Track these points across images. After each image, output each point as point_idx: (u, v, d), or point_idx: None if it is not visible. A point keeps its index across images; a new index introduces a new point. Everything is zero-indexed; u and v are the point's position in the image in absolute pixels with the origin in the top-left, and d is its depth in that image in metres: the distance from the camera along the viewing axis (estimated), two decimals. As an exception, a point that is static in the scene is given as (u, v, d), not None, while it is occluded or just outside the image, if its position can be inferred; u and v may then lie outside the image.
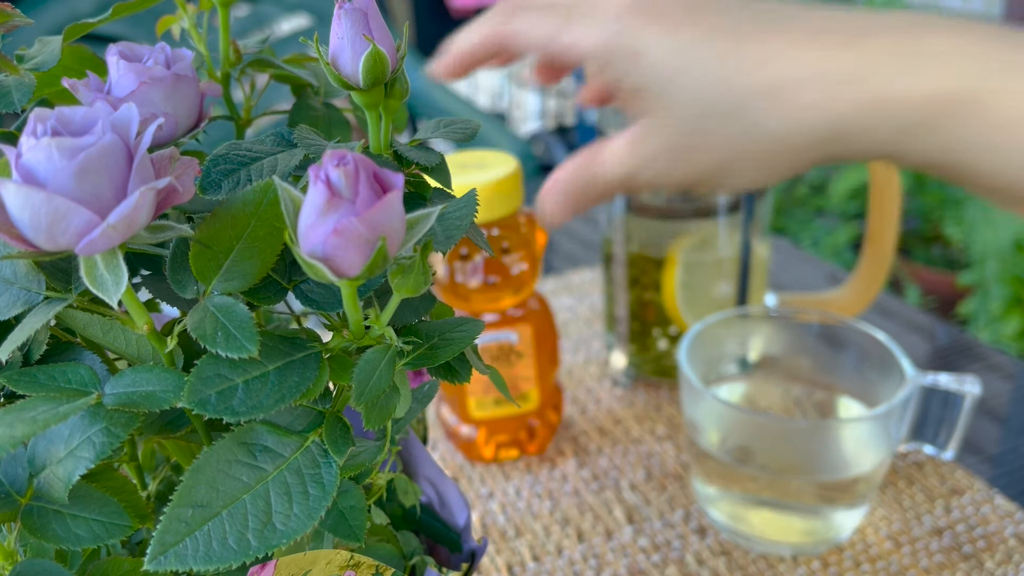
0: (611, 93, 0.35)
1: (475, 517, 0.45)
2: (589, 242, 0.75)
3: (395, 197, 0.17)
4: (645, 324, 0.53)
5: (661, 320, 0.52)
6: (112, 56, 0.21)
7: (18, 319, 0.19)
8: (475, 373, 0.22)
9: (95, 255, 0.17)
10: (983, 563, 0.40)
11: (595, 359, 0.58)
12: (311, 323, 0.26)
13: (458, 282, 0.43)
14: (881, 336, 0.41)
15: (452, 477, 0.44)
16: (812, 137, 0.28)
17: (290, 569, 0.20)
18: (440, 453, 0.50)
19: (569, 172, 0.33)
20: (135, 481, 0.22)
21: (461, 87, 2.62)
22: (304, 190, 0.18)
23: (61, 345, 0.21)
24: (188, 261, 0.19)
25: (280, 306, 0.21)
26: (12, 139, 0.22)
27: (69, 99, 0.24)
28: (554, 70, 0.37)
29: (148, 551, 0.17)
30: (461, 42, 0.35)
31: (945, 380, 0.40)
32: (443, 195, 0.23)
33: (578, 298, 0.66)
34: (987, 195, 0.28)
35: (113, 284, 0.17)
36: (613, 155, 0.32)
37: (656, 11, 0.30)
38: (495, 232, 0.43)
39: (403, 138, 0.24)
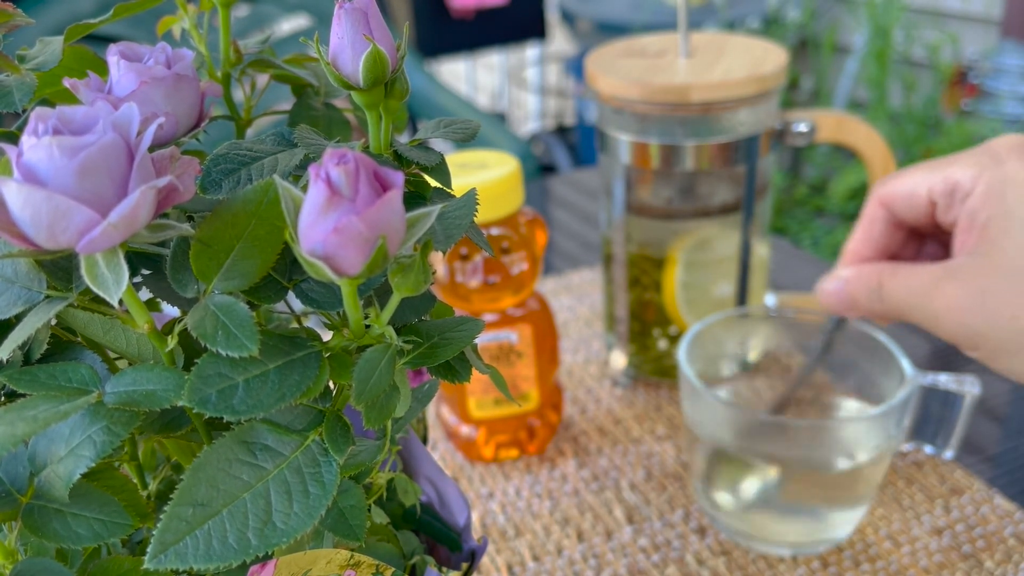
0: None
1: (475, 517, 0.45)
2: (589, 242, 0.75)
3: (395, 196, 0.17)
4: (645, 324, 0.53)
5: (661, 320, 0.52)
6: (113, 56, 0.21)
7: (19, 318, 0.19)
8: (475, 373, 0.22)
9: (96, 254, 0.17)
10: (983, 563, 0.40)
11: (595, 359, 0.58)
12: (311, 322, 0.26)
13: (458, 282, 0.44)
14: (881, 336, 0.41)
15: (452, 477, 0.45)
16: None
17: (290, 568, 0.20)
18: (440, 453, 0.50)
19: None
20: (135, 480, 0.23)
21: (461, 87, 2.62)
22: (304, 189, 0.18)
23: (62, 344, 0.21)
24: (189, 260, 0.19)
25: (280, 305, 0.21)
26: (13, 138, 0.22)
27: (70, 99, 0.24)
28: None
29: (148, 550, 0.17)
30: None
31: (945, 380, 0.40)
32: (443, 195, 0.23)
33: (578, 298, 0.66)
34: None
35: (114, 283, 0.17)
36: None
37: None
38: (495, 232, 0.43)
39: (403, 138, 0.24)
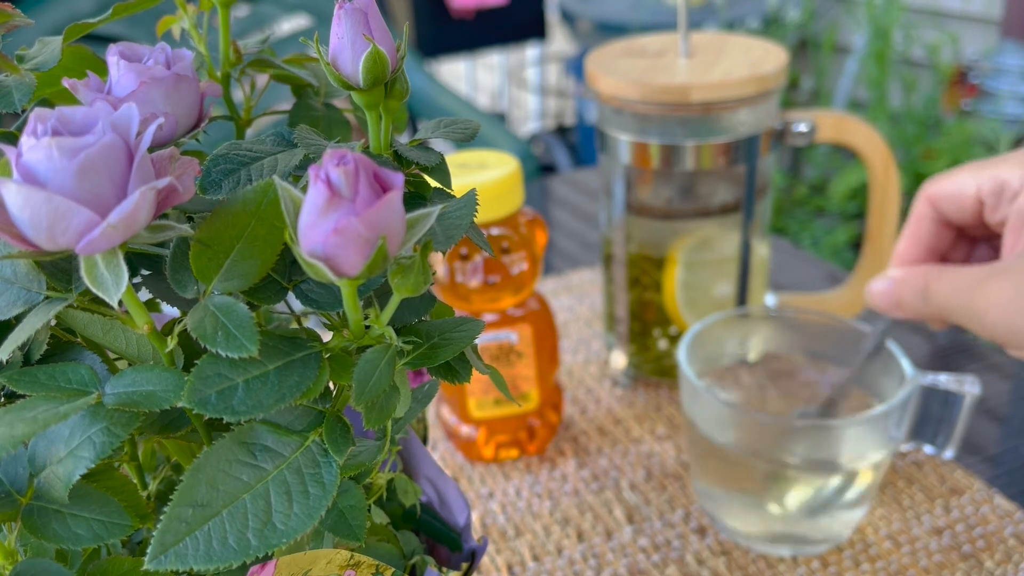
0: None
1: (475, 517, 0.45)
2: (589, 242, 0.75)
3: (395, 196, 0.17)
4: (645, 324, 0.53)
5: (661, 320, 0.52)
6: (112, 56, 0.21)
7: (18, 319, 0.19)
8: (475, 373, 0.22)
9: (95, 255, 0.17)
10: (983, 563, 0.40)
11: (595, 359, 0.58)
12: (311, 323, 0.26)
13: (458, 282, 0.44)
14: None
15: (452, 477, 0.44)
16: None
17: (290, 568, 0.20)
18: (440, 453, 0.50)
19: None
20: (135, 481, 0.22)
21: (461, 87, 2.62)
22: (304, 190, 0.18)
23: (61, 345, 0.21)
24: (188, 261, 0.19)
25: (280, 306, 0.21)
26: (13, 139, 0.22)
27: (69, 99, 0.24)
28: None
29: (148, 550, 0.17)
30: None
31: (945, 380, 0.40)
32: (443, 195, 0.23)
33: (578, 298, 0.66)
34: None
35: (113, 284, 0.17)
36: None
37: None
38: (495, 232, 0.43)
39: (403, 138, 0.24)
